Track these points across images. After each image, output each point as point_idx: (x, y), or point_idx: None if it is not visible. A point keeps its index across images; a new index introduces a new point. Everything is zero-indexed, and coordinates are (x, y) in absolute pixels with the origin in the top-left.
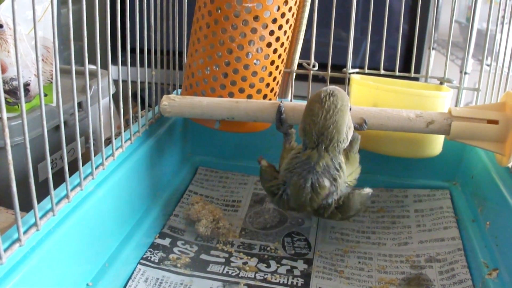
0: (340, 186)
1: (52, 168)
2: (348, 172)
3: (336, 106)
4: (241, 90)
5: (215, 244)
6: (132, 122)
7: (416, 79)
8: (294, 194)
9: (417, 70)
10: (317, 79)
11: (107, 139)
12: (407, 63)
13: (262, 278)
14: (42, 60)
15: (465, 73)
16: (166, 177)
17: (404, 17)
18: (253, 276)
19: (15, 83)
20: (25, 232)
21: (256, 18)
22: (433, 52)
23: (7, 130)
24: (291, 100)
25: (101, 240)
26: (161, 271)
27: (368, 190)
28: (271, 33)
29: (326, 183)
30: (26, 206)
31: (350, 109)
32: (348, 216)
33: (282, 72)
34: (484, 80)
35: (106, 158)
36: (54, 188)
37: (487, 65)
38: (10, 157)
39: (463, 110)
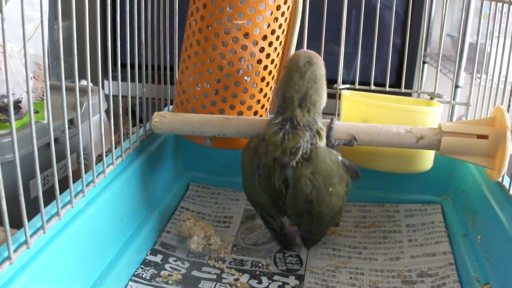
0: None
1: (44, 185)
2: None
3: (315, 76)
4: (232, 107)
5: (207, 261)
6: (124, 139)
7: (408, 94)
8: (268, 138)
9: (410, 85)
10: None
11: (98, 156)
12: (400, 77)
13: None
14: (34, 77)
15: (456, 86)
16: (158, 193)
17: (397, 31)
18: None
19: (6, 100)
20: (15, 250)
21: (246, 35)
22: (425, 66)
23: None
24: None
25: (92, 257)
26: None
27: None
28: (262, 50)
29: (302, 133)
30: (17, 223)
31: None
32: (309, 193)
33: (272, 88)
34: (475, 95)
35: (97, 175)
36: (46, 205)
37: (478, 78)
38: (0, 175)
39: (453, 125)
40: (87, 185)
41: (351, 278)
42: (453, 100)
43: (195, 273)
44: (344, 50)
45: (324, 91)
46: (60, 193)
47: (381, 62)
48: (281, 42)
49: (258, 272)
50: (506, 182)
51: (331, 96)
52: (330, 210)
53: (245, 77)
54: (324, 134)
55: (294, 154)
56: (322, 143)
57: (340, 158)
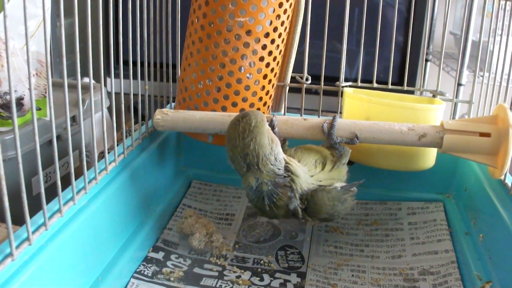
0: (301, 187)
1: (46, 182)
2: (325, 177)
3: (250, 124)
4: (234, 104)
5: (209, 258)
6: (126, 136)
7: (410, 92)
8: (263, 208)
9: (412, 83)
10: (310, 91)
11: (100, 153)
12: (402, 75)
13: None
14: (36, 74)
15: (459, 84)
16: (160, 190)
17: (399, 29)
18: None
19: (8, 97)
20: (17, 247)
21: (248, 32)
22: (428, 64)
23: None
24: (284, 114)
25: (94, 254)
26: (154, 284)
27: (335, 185)
28: (264, 47)
29: (279, 193)
30: (19, 220)
31: (275, 129)
32: (322, 218)
33: (275, 85)
34: (478, 93)
35: (99, 173)
36: (48, 202)
37: (481, 76)
38: (2, 172)
39: (455, 123)
40: (89, 182)
41: (352, 275)
42: (456, 98)
43: (196, 270)
44: (347, 48)
45: (267, 140)
46: (62, 190)
47: (384, 60)
48: (283, 39)
49: (260, 270)
50: (508, 180)
51: (333, 93)
52: (342, 214)
53: (247, 75)
54: (295, 167)
55: (295, 213)
56: (299, 176)
57: (339, 187)
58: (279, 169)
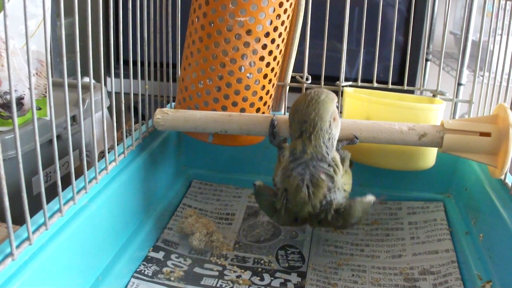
0: (337, 184)
1: (46, 182)
2: (346, 181)
3: (319, 96)
4: (234, 104)
5: (209, 257)
6: (126, 136)
7: (410, 91)
8: (293, 195)
9: (412, 82)
10: None
11: (101, 153)
12: (402, 74)
13: None
14: (36, 74)
15: (459, 84)
16: (160, 190)
17: (399, 29)
18: None
19: (9, 97)
20: (17, 247)
21: (248, 32)
22: (428, 64)
23: None
24: (284, 113)
25: (95, 253)
26: (154, 284)
27: (370, 198)
28: (264, 46)
29: (323, 176)
30: (20, 220)
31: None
32: (349, 224)
33: (275, 85)
34: (478, 92)
35: (99, 172)
36: (48, 202)
37: (481, 75)
38: (2, 171)
39: (456, 122)
40: (90, 181)
41: (353, 275)
42: (456, 97)
43: (197, 270)
44: (347, 48)
45: (329, 116)
46: (63, 189)
47: (384, 59)
48: (283, 39)
49: (260, 269)
50: (508, 180)
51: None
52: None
53: (248, 74)
54: (339, 163)
55: (326, 210)
56: (339, 173)
57: (372, 201)
58: (327, 150)
